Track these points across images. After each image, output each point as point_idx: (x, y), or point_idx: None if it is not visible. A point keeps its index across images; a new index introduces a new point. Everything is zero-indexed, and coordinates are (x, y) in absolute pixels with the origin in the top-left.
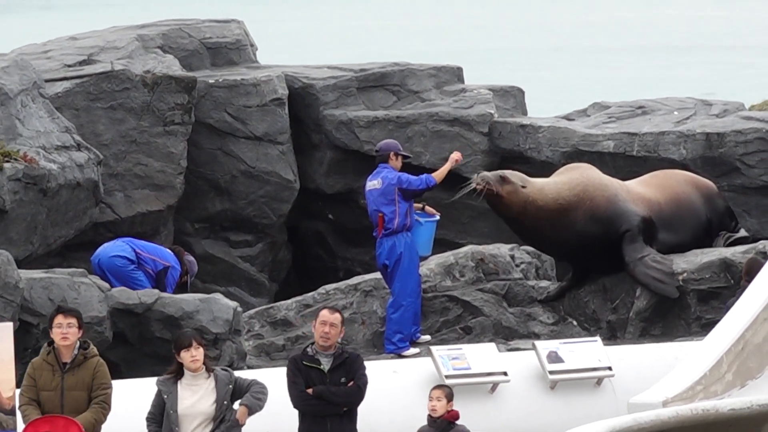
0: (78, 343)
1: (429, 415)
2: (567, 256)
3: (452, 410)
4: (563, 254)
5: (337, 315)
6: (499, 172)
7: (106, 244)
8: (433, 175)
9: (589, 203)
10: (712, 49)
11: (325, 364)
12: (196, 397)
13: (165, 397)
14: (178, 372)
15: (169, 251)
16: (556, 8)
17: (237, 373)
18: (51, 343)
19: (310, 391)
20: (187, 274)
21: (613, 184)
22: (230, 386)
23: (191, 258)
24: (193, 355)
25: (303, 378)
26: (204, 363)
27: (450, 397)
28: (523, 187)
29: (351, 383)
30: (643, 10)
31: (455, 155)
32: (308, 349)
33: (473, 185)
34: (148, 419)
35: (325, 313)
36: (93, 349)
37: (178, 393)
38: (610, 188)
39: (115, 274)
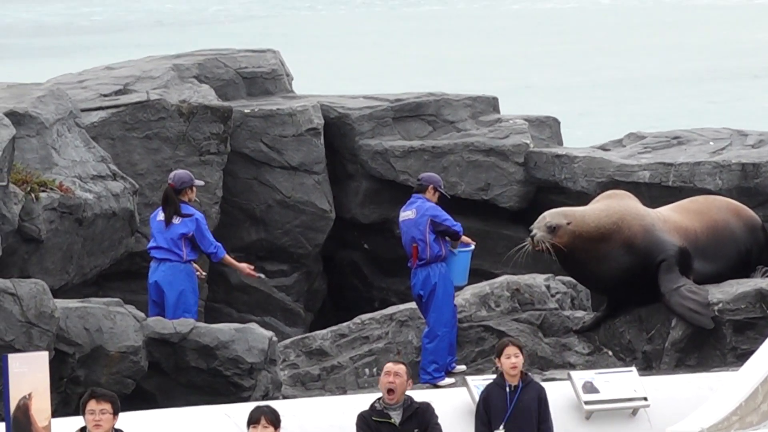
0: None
1: None
2: (607, 291)
3: None
4: (603, 288)
5: (402, 366)
6: (546, 222)
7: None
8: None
9: (627, 232)
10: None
11: (395, 417)
12: None
13: None
14: None
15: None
16: (592, 39)
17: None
18: (83, 429)
19: None
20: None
21: (650, 213)
22: None
23: (179, 173)
24: None
25: None
26: None
27: None
28: (569, 224)
29: None
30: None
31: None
32: (376, 404)
33: (528, 247)
34: None
35: (389, 365)
36: None
37: None
38: (647, 218)
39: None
